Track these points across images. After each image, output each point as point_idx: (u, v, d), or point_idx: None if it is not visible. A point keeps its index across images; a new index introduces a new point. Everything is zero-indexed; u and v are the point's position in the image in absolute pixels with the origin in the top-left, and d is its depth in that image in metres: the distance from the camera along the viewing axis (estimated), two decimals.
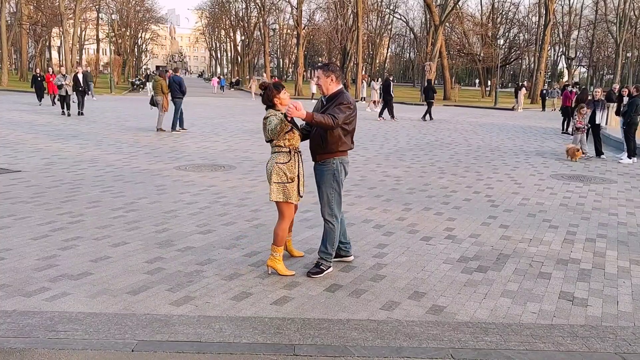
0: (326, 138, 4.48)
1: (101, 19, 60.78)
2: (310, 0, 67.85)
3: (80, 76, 20.26)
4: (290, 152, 4.48)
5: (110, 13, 61.22)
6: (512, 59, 62.24)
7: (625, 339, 3.70)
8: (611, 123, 18.04)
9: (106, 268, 4.69)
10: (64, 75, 20.04)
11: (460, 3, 45.92)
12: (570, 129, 17.66)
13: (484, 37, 54.02)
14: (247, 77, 62.65)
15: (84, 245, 5.27)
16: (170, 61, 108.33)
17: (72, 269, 4.63)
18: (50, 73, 26.63)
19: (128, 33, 68.39)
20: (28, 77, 44.26)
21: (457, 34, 56.53)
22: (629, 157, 12.23)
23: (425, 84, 27.01)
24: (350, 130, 4.57)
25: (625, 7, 54.84)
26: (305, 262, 4.98)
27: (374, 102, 28.21)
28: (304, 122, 4.77)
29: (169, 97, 15.29)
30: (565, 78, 66.18)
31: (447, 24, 46.27)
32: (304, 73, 66.26)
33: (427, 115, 22.91)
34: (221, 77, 60.82)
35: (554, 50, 71.35)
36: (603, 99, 15.26)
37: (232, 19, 70.13)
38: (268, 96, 4.51)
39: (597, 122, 13.16)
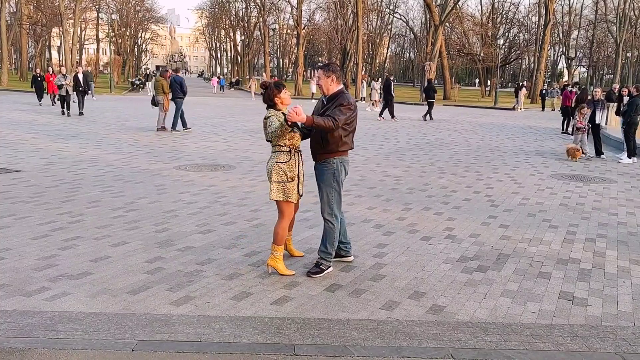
0: (326, 138, 4.49)
1: (101, 18, 60.80)
2: (310, 0, 67.99)
3: (80, 76, 20.26)
4: (290, 151, 4.48)
5: (110, 13, 61.24)
6: (512, 59, 62.24)
7: (625, 338, 3.70)
8: (611, 123, 18.05)
9: (106, 268, 4.69)
10: (64, 75, 20.04)
11: (460, 3, 45.94)
12: (570, 129, 17.68)
13: (484, 37, 54.03)
14: (247, 77, 62.63)
15: (83, 245, 5.27)
16: (170, 61, 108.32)
17: (72, 269, 4.63)
18: (50, 73, 26.63)
19: (128, 33, 68.41)
20: (28, 77, 44.27)
21: (457, 33, 56.54)
22: (629, 157, 12.24)
23: (426, 83, 27.01)
24: (350, 130, 4.57)
25: (625, 7, 54.86)
26: (305, 262, 4.98)
27: (375, 102, 28.21)
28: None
29: (170, 97, 15.34)
30: (565, 78, 66.17)
31: (447, 23, 46.27)
32: (304, 73, 66.28)
33: (428, 115, 22.92)
34: (221, 77, 60.83)
35: (554, 50, 71.36)
36: (603, 98, 15.26)
37: (232, 18, 70.12)
38: (269, 95, 4.51)
39: (597, 122, 13.16)
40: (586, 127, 12.68)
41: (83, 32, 68.06)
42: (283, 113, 4.54)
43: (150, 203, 7.06)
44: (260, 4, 55.07)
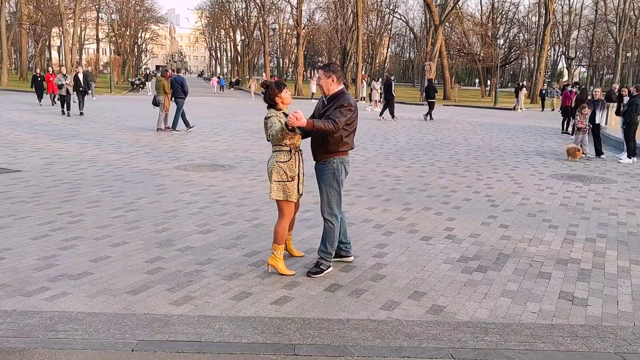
0: (327, 138, 4.49)
1: (101, 18, 60.81)
2: (310, 0, 67.97)
3: (80, 76, 20.26)
4: (291, 150, 4.49)
5: (110, 13, 61.24)
6: (512, 59, 62.23)
7: (625, 338, 3.70)
8: (611, 123, 18.05)
9: (106, 268, 4.69)
10: (64, 75, 20.05)
11: (460, 3, 45.93)
12: (570, 129, 17.68)
13: (483, 37, 54.03)
14: (247, 76, 62.63)
15: (83, 245, 5.27)
16: (170, 61, 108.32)
17: (72, 269, 4.63)
18: (50, 73, 26.62)
19: (128, 33, 68.41)
20: (28, 77, 44.28)
21: (457, 33, 56.53)
22: (629, 156, 12.24)
23: (426, 83, 27.00)
24: (351, 130, 4.58)
25: (625, 7, 54.86)
26: (305, 262, 4.98)
27: (375, 102, 28.21)
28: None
29: (171, 97, 15.42)
30: (565, 78, 66.20)
31: (447, 23, 46.26)
32: (304, 73, 66.28)
33: (428, 115, 22.93)
34: (221, 76, 60.82)
35: (554, 50, 71.36)
36: (603, 98, 15.26)
37: (232, 18, 70.11)
38: (270, 95, 4.51)
39: (596, 121, 13.16)
40: (587, 127, 12.68)
41: (83, 32, 68.07)
42: (284, 113, 4.54)
43: (150, 203, 7.06)
44: (260, 4, 55.06)
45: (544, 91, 35.15)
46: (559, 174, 10.29)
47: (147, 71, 74.18)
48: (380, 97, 27.07)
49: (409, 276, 4.71)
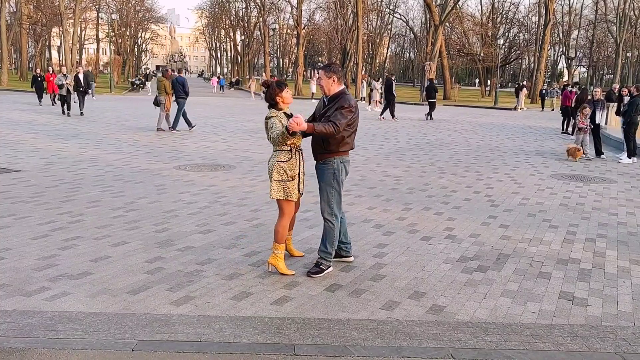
0: (327, 138, 4.50)
1: (101, 18, 60.82)
2: (310, 0, 67.97)
3: (81, 76, 20.27)
4: (291, 150, 4.49)
5: (110, 13, 61.25)
6: (512, 59, 62.25)
7: (625, 338, 3.70)
8: (611, 123, 18.04)
9: (106, 268, 4.69)
10: (64, 75, 20.05)
11: (460, 3, 45.94)
12: (570, 129, 17.68)
13: (484, 37, 54.04)
14: (247, 76, 62.65)
15: (83, 245, 5.27)
16: (170, 61, 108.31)
17: (72, 269, 4.63)
18: (51, 73, 26.61)
19: (128, 33, 68.42)
20: (28, 77, 44.28)
21: (457, 33, 56.54)
22: (629, 157, 12.24)
23: (427, 83, 26.99)
24: (352, 131, 4.59)
25: (625, 7, 54.86)
26: (305, 262, 4.98)
27: (376, 102, 28.22)
28: (306, 119, 4.79)
29: (172, 98, 15.50)
30: (565, 78, 66.19)
31: (447, 23, 46.27)
32: (304, 73, 66.26)
33: (429, 114, 22.95)
34: (221, 76, 60.82)
35: (554, 50, 71.36)
36: (602, 98, 15.26)
37: (232, 18, 70.12)
38: (271, 94, 4.51)
39: (596, 121, 13.16)
40: (588, 127, 12.67)
41: (83, 32, 68.07)
42: (285, 112, 4.55)
43: (150, 203, 7.06)
44: (260, 4, 55.07)
45: (543, 91, 35.15)
46: (559, 174, 10.29)
47: (147, 71, 74.19)
48: (381, 97, 27.06)
49: (409, 276, 4.71)
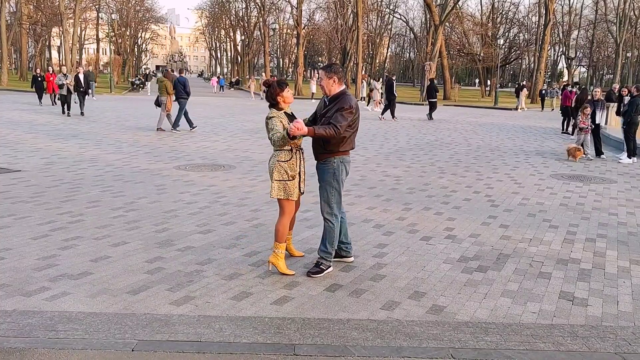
0: (328, 139, 4.50)
1: (101, 18, 60.76)
2: (310, 0, 67.98)
3: (81, 76, 20.26)
4: (292, 150, 4.50)
5: (110, 13, 61.20)
6: (512, 59, 62.24)
7: (626, 338, 3.70)
8: (611, 123, 18.04)
9: (106, 268, 4.69)
10: (64, 75, 20.04)
11: (460, 3, 45.92)
12: (570, 129, 17.68)
13: (484, 37, 54.02)
14: (247, 76, 62.67)
15: (83, 245, 5.27)
16: (170, 61, 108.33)
17: (72, 269, 4.63)
18: (51, 72, 26.60)
19: (128, 33, 68.40)
20: (28, 77, 44.27)
21: (457, 33, 56.53)
22: (629, 157, 12.24)
23: (428, 83, 26.99)
24: (353, 131, 4.59)
25: (625, 7, 54.86)
26: (305, 262, 4.98)
27: (376, 102, 28.22)
28: (307, 118, 4.81)
29: (173, 98, 15.58)
30: (565, 78, 66.20)
31: (447, 23, 46.26)
32: (304, 73, 66.27)
33: (430, 114, 22.96)
34: (220, 76, 60.82)
35: (554, 50, 71.36)
36: (602, 98, 15.26)
37: (232, 18, 70.11)
38: (272, 94, 4.51)
39: (596, 121, 13.16)
40: (590, 127, 12.66)
41: (83, 32, 68.05)
42: (285, 112, 4.55)
43: (150, 203, 7.06)
44: (260, 4, 55.06)
45: (543, 91, 35.15)
46: (559, 174, 10.29)
47: (147, 71, 74.19)
48: (382, 97, 27.05)
49: (409, 276, 4.71)
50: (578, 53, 72.09)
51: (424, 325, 3.77)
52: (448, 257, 5.26)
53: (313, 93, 36.48)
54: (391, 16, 67.96)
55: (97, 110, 22.15)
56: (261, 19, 57.34)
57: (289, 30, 71.79)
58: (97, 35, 65.24)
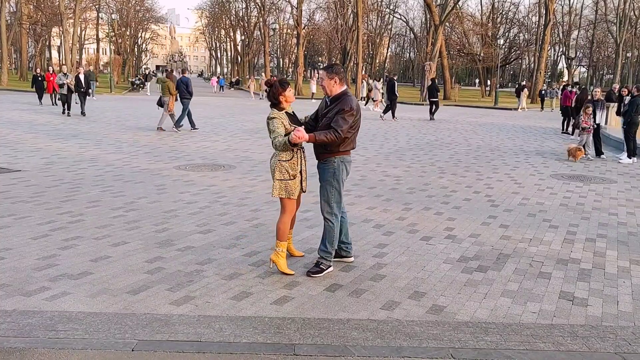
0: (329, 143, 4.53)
1: (101, 18, 60.75)
2: (310, 0, 67.98)
3: (82, 77, 20.25)
4: (293, 149, 4.50)
5: (110, 13, 61.17)
6: (512, 59, 62.23)
7: (626, 338, 3.70)
8: (611, 123, 18.04)
9: (106, 268, 4.69)
10: (65, 74, 20.04)
11: (460, 3, 45.92)
12: (570, 129, 17.68)
13: (484, 37, 54.01)
14: (247, 76, 62.67)
15: (83, 245, 5.26)
16: (170, 61, 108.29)
17: (72, 269, 4.63)
18: (51, 72, 26.59)
19: (128, 33, 68.39)
20: (28, 77, 44.26)
21: (457, 33, 56.52)
22: (629, 157, 12.24)
23: (429, 83, 26.99)
24: (354, 132, 4.60)
25: (625, 7, 54.86)
26: (305, 261, 4.98)
27: (376, 102, 28.21)
28: (308, 116, 4.82)
29: (176, 98, 15.65)
30: (565, 78, 66.19)
31: (447, 23, 46.25)
32: (304, 73, 66.27)
33: (430, 114, 22.97)
34: (220, 76, 60.82)
35: (554, 50, 71.36)
36: (602, 98, 15.26)
37: (232, 18, 70.12)
38: (274, 94, 4.51)
39: (597, 121, 13.16)
40: (592, 127, 12.65)
41: (83, 32, 68.07)
42: (286, 112, 4.55)
43: (150, 203, 7.06)
44: (260, 4, 55.06)
45: (543, 91, 35.15)
46: (559, 174, 10.29)
47: (147, 71, 74.17)
48: (382, 97, 27.04)
49: (409, 276, 4.71)
50: (578, 53, 72.10)
51: (424, 325, 3.77)
52: (448, 257, 5.26)
53: (313, 93, 36.46)
54: (391, 16, 68.01)
55: (97, 110, 22.15)
56: (261, 19, 57.34)
57: (289, 30, 71.79)
58: (97, 35, 65.26)
